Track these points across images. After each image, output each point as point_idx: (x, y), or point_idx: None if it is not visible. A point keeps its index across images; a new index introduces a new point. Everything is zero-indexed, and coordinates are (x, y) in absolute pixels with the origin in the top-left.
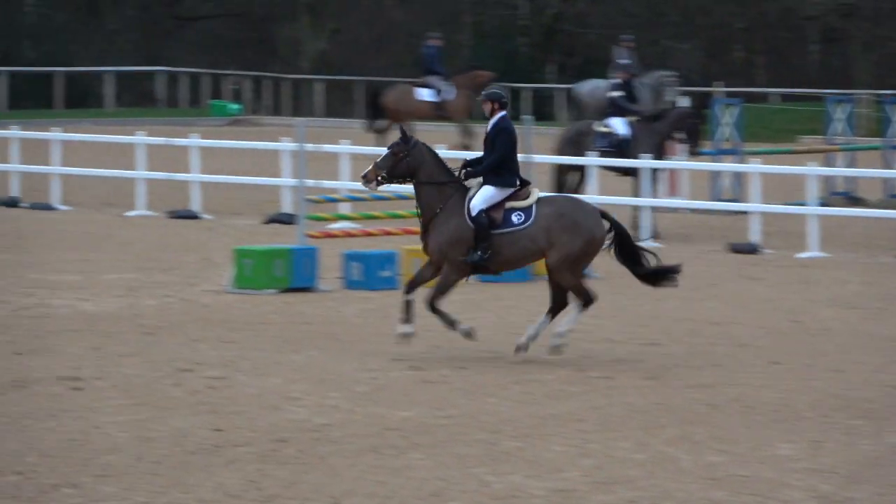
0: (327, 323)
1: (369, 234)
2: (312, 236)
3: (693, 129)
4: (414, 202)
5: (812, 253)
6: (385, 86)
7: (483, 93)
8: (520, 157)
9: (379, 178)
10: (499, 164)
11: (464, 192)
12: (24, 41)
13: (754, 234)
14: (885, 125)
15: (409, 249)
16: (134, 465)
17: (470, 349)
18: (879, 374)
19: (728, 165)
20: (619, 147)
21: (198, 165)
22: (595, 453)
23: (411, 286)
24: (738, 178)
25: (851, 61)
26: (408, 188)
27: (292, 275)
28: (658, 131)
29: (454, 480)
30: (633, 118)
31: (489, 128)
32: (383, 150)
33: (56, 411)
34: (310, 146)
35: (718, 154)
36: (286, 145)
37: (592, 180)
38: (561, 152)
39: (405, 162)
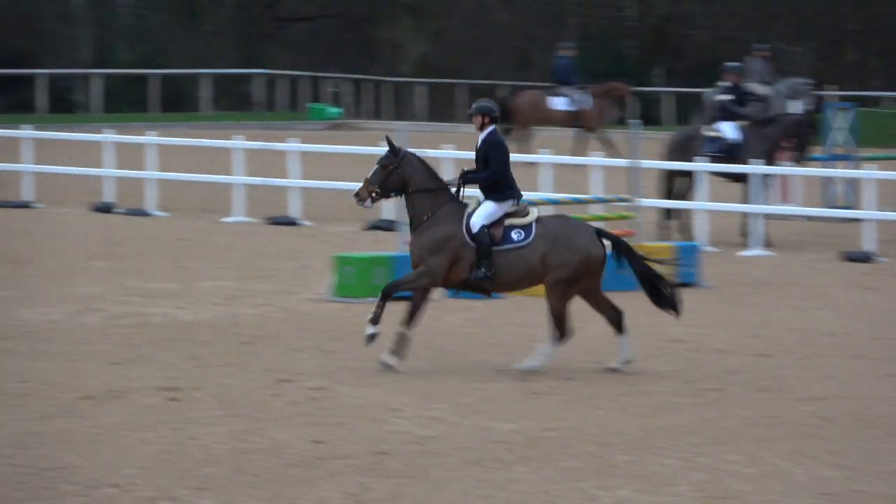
0: (430, 333)
1: None
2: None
3: (805, 137)
4: None
5: None
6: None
7: (473, 106)
8: (627, 162)
9: (372, 194)
10: (499, 175)
11: (456, 203)
12: (120, 43)
13: (868, 242)
14: None
15: None
16: (232, 478)
17: (577, 360)
18: None
19: (842, 171)
20: (728, 152)
21: (297, 170)
22: (705, 467)
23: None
24: (852, 184)
25: None
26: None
27: None
28: (769, 137)
29: (560, 494)
30: (744, 123)
31: (479, 142)
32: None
33: (153, 422)
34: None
35: (831, 160)
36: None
37: (701, 186)
38: (669, 157)
39: (396, 174)
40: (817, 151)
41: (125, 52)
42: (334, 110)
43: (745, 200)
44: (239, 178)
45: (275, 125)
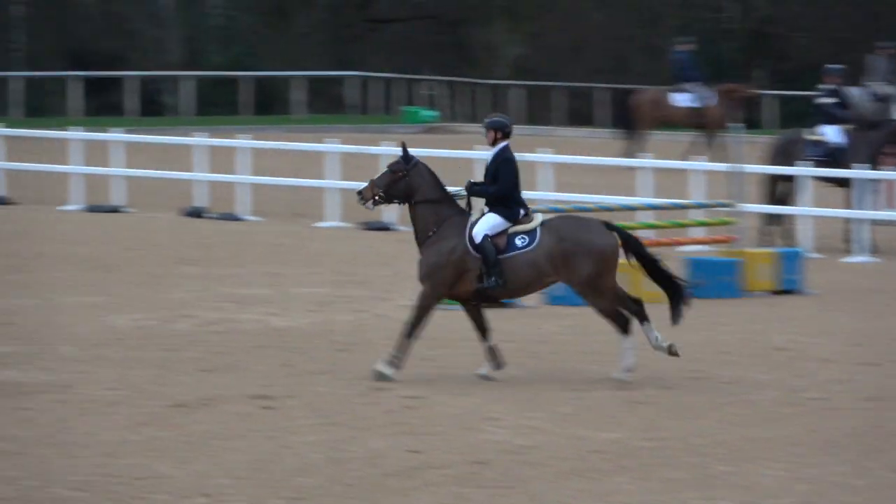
0: (528, 340)
1: None
2: None
3: None
4: None
5: None
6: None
7: (486, 120)
8: (729, 166)
9: (376, 196)
10: (506, 192)
11: (461, 216)
12: (211, 44)
13: None
14: None
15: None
16: (327, 488)
17: (678, 368)
18: None
19: None
20: (832, 156)
21: None
22: (811, 478)
23: (483, 335)
24: None
25: None
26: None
27: None
28: (873, 141)
29: None
30: (848, 126)
31: (490, 158)
32: (591, 159)
33: (245, 431)
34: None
35: None
36: (481, 154)
37: (805, 191)
38: (771, 162)
39: (404, 182)
40: None
41: (216, 53)
42: (429, 113)
43: (849, 206)
44: (332, 182)
45: (368, 128)
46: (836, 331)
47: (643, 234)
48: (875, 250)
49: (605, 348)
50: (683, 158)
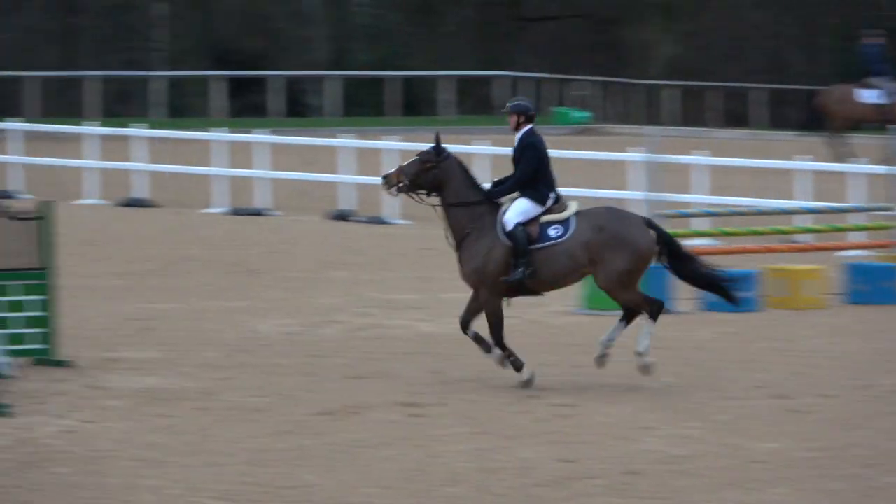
0: (682, 347)
1: (727, 252)
2: None
3: None
4: None
5: None
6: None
7: (507, 105)
8: (886, 169)
9: (400, 183)
10: (527, 179)
11: (496, 209)
12: (356, 44)
13: None
14: None
15: (772, 268)
16: (477, 498)
17: (838, 377)
18: None
19: None
20: None
21: None
22: None
23: (465, 326)
24: None
25: None
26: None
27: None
28: None
29: None
30: None
31: (515, 143)
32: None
33: (393, 439)
34: (663, 157)
35: None
36: (634, 155)
37: None
38: None
39: (432, 173)
40: None
41: (362, 53)
42: (581, 114)
43: None
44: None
45: None
46: None
47: (802, 239)
48: None
49: (763, 356)
50: (840, 160)
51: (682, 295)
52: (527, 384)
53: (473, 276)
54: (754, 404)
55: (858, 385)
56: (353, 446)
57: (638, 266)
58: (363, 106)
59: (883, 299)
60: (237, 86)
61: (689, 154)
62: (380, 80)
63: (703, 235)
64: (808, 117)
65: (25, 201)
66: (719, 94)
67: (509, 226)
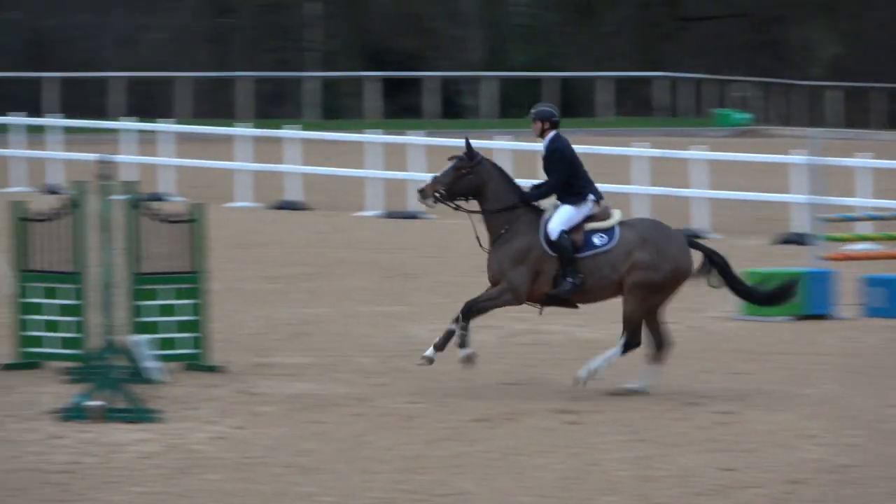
0: (846, 354)
1: (890, 257)
2: (828, 258)
3: None
4: None
5: None
6: None
7: (532, 111)
8: None
9: (437, 193)
10: (560, 185)
11: (534, 213)
12: (514, 44)
13: None
14: None
15: None
16: None
17: None
18: None
19: None
20: None
21: (702, 180)
22: None
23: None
24: None
25: None
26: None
27: (806, 300)
28: None
29: None
30: None
31: (543, 150)
32: None
33: (550, 447)
34: (826, 160)
35: None
36: (796, 158)
37: None
38: None
39: (467, 179)
40: None
41: (519, 53)
42: (741, 116)
43: None
44: (639, 188)
45: (677, 131)
46: None
47: None
48: None
49: None
50: None
51: (845, 300)
52: (466, 360)
53: (497, 272)
54: None
55: None
56: (508, 453)
57: (670, 282)
58: (519, 107)
59: None
60: (392, 86)
61: (852, 156)
62: (537, 80)
63: (867, 240)
64: None
65: (177, 204)
66: (883, 96)
67: (554, 235)
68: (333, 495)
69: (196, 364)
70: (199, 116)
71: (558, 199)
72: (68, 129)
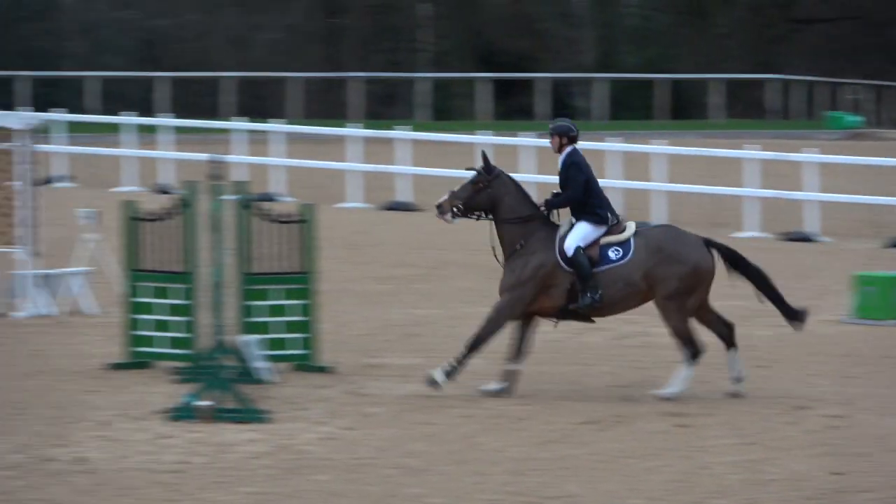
0: None
1: None
2: None
3: None
4: None
5: None
6: None
7: (550, 126)
8: None
9: (454, 209)
10: (577, 199)
11: (548, 228)
12: (625, 45)
13: None
14: None
15: None
16: None
17: None
18: None
19: None
20: None
21: (814, 183)
22: None
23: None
24: None
25: None
26: None
27: None
28: None
29: None
30: None
31: (559, 164)
32: None
33: (659, 449)
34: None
35: None
36: None
37: None
38: None
39: (485, 193)
40: None
41: (630, 55)
42: (854, 119)
43: None
44: (751, 191)
45: (789, 134)
46: None
47: None
48: None
49: None
50: None
51: None
52: (431, 383)
53: (507, 282)
54: None
55: None
56: (618, 456)
57: (692, 285)
58: (631, 109)
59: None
60: (503, 87)
61: None
62: (648, 82)
63: None
64: None
65: (287, 204)
66: None
67: (570, 251)
68: (442, 497)
69: (305, 364)
70: (311, 117)
71: (574, 216)
72: (180, 129)
